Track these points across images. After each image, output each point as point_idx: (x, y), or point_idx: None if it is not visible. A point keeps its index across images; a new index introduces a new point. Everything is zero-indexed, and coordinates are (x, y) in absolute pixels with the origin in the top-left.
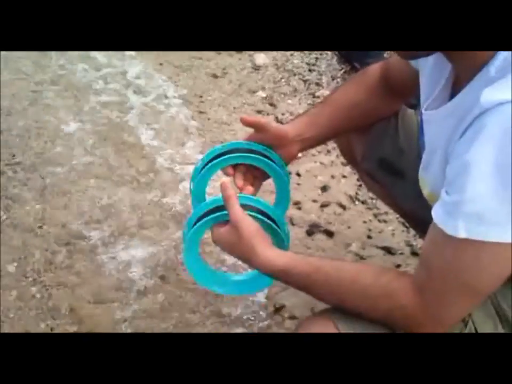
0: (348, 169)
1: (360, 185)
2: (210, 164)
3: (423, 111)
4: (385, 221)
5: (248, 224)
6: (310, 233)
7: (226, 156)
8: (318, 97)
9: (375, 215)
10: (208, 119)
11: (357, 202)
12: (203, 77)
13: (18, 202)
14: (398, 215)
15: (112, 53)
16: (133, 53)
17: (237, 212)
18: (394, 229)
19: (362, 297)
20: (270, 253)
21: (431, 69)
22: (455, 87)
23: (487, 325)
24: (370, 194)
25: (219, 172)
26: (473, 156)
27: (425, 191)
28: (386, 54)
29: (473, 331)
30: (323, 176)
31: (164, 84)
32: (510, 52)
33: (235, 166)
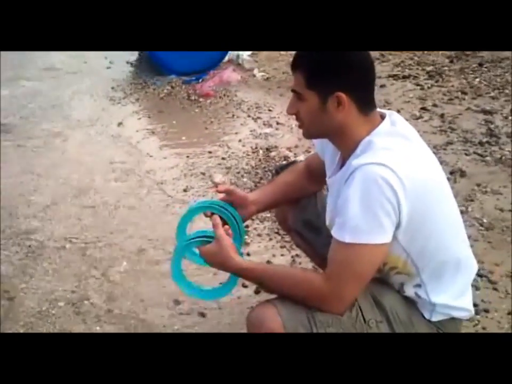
0: (284, 250)
1: (293, 260)
2: (195, 207)
3: (327, 179)
4: None
5: (228, 240)
6: (257, 292)
7: (207, 205)
8: None
9: None
10: None
11: None
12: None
13: None
14: None
15: None
16: None
17: (221, 231)
18: None
19: (294, 283)
20: (239, 259)
21: (330, 155)
22: (342, 163)
23: (366, 306)
24: (303, 266)
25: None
26: (349, 193)
27: (328, 224)
28: None
29: (359, 310)
30: (267, 254)
31: None
32: (367, 140)
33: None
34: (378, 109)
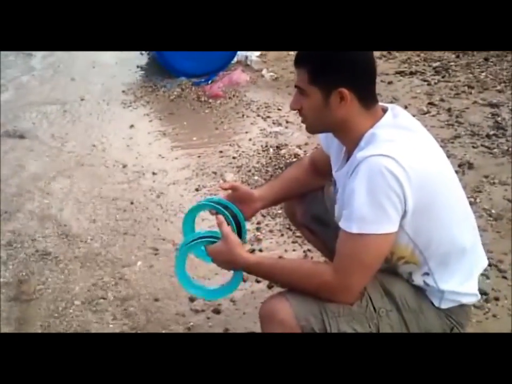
0: (296, 245)
1: (305, 255)
2: (197, 206)
3: (334, 173)
4: None
5: (234, 237)
6: (270, 286)
7: (210, 204)
8: None
9: None
10: None
11: None
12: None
13: None
14: None
15: None
16: None
17: (227, 229)
18: None
19: (303, 277)
20: (247, 255)
21: (335, 150)
22: (348, 157)
23: (376, 295)
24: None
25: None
26: (355, 185)
27: (337, 217)
28: None
29: (369, 300)
30: (279, 250)
31: None
32: (370, 133)
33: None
34: (380, 103)
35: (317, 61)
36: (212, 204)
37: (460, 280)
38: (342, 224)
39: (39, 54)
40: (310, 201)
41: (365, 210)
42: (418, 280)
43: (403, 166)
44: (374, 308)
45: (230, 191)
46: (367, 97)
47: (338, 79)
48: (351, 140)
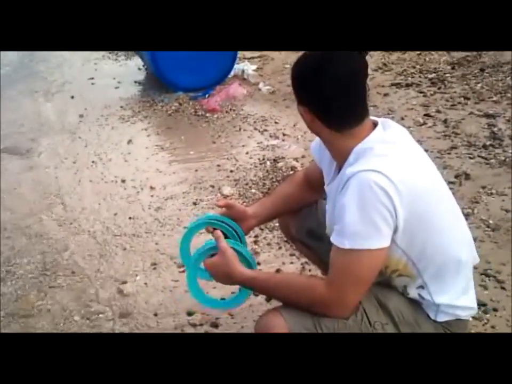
0: (294, 258)
1: (303, 267)
2: (196, 224)
3: (326, 186)
4: None
5: (231, 252)
6: (268, 300)
7: (207, 221)
8: None
9: None
10: None
11: None
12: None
13: None
14: None
15: None
16: None
17: (224, 244)
18: None
19: (298, 291)
20: (243, 269)
21: (327, 163)
22: (339, 169)
23: (371, 309)
24: (312, 272)
25: None
26: (346, 200)
27: (328, 231)
28: None
29: (364, 313)
30: (277, 263)
31: None
32: (360, 148)
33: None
34: (373, 117)
35: (294, 80)
36: (211, 221)
37: (455, 293)
38: (334, 240)
39: (38, 73)
40: (304, 216)
41: (356, 226)
42: (413, 293)
43: (393, 181)
44: (369, 322)
45: (224, 209)
46: (340, 122)
47: (304, 100)
48: (338, 156)
